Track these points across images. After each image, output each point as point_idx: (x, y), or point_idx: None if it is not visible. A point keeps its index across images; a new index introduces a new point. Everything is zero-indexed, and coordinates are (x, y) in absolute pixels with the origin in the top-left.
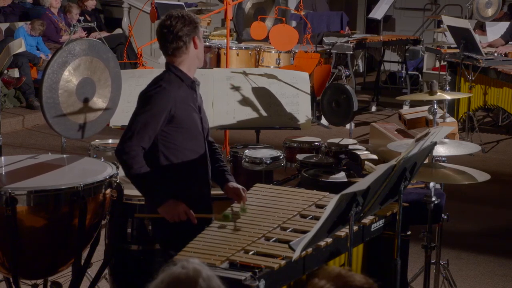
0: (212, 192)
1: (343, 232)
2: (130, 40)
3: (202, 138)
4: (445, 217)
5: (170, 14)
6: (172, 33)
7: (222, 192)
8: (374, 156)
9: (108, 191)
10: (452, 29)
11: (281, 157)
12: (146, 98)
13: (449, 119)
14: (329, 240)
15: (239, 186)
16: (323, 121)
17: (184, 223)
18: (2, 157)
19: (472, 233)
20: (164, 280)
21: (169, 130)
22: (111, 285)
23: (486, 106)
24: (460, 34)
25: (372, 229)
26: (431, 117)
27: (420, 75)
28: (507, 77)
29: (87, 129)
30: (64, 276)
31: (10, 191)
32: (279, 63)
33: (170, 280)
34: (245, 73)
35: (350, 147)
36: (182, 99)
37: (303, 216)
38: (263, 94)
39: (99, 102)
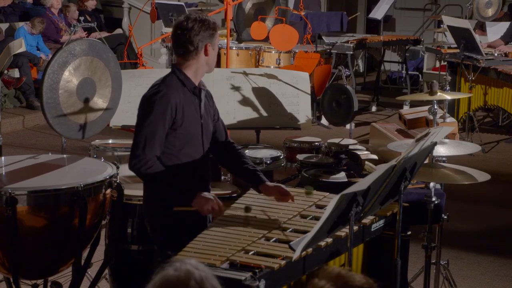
0: (213, 192)
1: (343, 232)
2: (130, 40)
3: (200, 144)
4: (445, 217)
5: (188, 15)
6: (185, 36)
7: (222, 192)
8: (374, 156)
9: (108, 191)
10: (452, 29)
11: (281, 157)
12: (147, 106)
13: (449, 119)
14: (329, 240)
15: (279, 184)
16: (323, 121)
17: (183, 224)
18: (2, 157)
19: (472, 233)
20: (156, 282)
21: (167, 137)
22: (111, 285)
23: (486, 106)
24: (460, 34)
25: (372, 229)
26: (431, 117)
27: (420, 75)
28: (507, 77)
29: (87, 129)
30: (64, 276)
31: (10, 191)
32: (279, 63)
33: (161, 283)
34: (245, 73)
35: (350, 147)
36: (181, 103)
37: (303, 217)
38: (263, 94)
39: (99, 102)
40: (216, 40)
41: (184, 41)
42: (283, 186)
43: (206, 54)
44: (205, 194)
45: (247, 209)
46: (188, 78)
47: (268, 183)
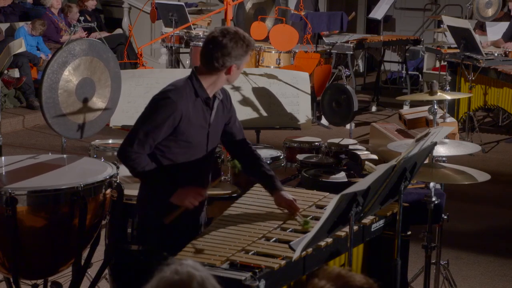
0: (213, 192)
1: (343, 232)
2: (130, 40)
3: (204, 152)
4: (445, 217)
5: (227, 29)
6: (213, 50)
7: (222, 192)
8: (374, 156)
9: (108, 191)
10: (452, 29)
11: (281, 157)
12: (154, 107)
13: (449, 119)
14: (329, 240)
15: (291, 197)
16: (323, 121)
17: (175, 225)
18: (2, 157)
19: (472, 233)
20: (157, 286)
21: (168, 143)
22: (111, 285)
23: (486, 106)
24: (460, 34)
25: (372, 229)
26: (431, 117)
27: (420, 75)
28: (507, 77)
29: (86, 129)
30: (64, 276)
31: (10, 191)
32: (279, 63)
33: (163, 287)
34: (245, 73)
35: (350, 147)
36: (189, 113)
37: (304, 216)
38: (263, 94)
39: (98, 102)
40: (244, 61)
41: (211, 57)
42: (295, 202)
43: (229, 73)
44: (184, 188)
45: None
46: (203, 89)
47: (283, 193)
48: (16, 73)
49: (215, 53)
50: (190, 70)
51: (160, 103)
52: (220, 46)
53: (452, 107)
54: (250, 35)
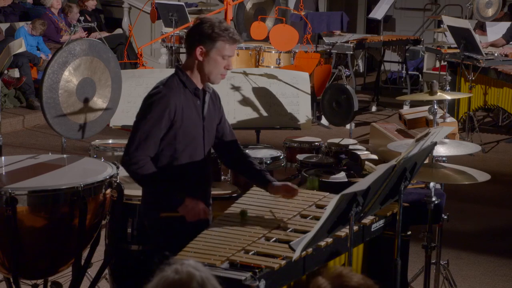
0: (213, 192)
1: (343, 232)
2: (130, 40)
3: (201, 146)
4: (445, 217)
5: (207, 17)
6: (188, 33)
7: (222, 192)
8: (374, 156)
9: (108, 191)
10: (452, 29)
11: (281, 157)
12: (147, 105)
13: (449, 119)
14: (329, 240)
15: (286, 182)
16: (323, 121)
17: (182, 225)
18: (2, 157)
19: (472, 233)
20: (157, 285)
21: (167, 138)
22: (111, 285)
23: (486, 106)
24: (460, 34)
25: (372, 229)
26: (431, 117)
27: (420, 75)
28: (507, 77)
29: (87, 129)
30: (64, 276)
31: (10, 191)
32: (279, 63)
33: (162, 286)
34: (245, 73)
35: (350, 147)
36: (181, 105)
37: (303, 216)
38: (263, 94)
39: (99, 102)
40: (215, 47)
41: (186, 39)
42: (289, 184)
43: (195, 57)
44: (193, 201)
45: (243, 213)
46: (190, 79)
47: (275, 183)
48: (16, 73)
49: (186, 35)
50: None
51: (153, 100)
52: (192, 28)
53: (452, 107)
54: (250, 35)
